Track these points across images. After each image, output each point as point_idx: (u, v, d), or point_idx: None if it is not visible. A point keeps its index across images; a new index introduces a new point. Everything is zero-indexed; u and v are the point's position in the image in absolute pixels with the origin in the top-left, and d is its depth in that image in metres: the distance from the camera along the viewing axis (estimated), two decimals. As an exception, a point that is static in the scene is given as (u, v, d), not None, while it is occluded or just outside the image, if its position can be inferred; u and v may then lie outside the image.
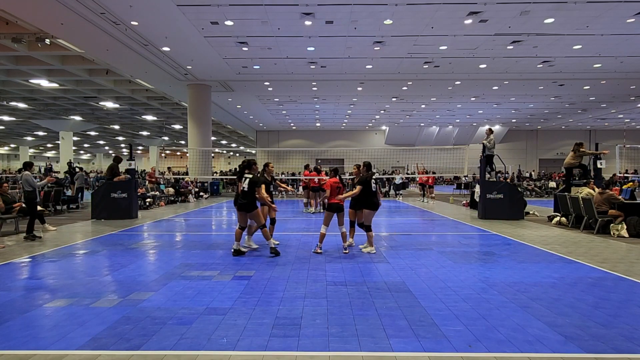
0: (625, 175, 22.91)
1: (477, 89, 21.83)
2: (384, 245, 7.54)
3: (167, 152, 60.22)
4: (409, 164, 30.83)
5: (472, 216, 12.23)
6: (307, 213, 12.97)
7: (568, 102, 25.52)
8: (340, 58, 15.90)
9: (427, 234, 8.98)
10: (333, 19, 11.93)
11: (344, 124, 36.69)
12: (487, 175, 11.94)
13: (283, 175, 26.69)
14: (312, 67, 17.13)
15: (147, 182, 16.91)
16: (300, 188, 18.03)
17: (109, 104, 24.68)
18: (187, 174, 20.41)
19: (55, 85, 19.80)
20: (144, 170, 24.06)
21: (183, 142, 47.58)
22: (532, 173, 35.38)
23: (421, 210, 14.27)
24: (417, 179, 19.94)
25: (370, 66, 17.12)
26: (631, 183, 17.18)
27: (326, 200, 6.82)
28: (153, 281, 5.05)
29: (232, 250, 6.57)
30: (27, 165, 8.56)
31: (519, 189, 14.00)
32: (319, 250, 6.71)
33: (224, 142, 51.22)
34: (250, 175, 6.48)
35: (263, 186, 6.58)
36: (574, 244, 7.72)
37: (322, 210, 12.82)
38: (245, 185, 6.42)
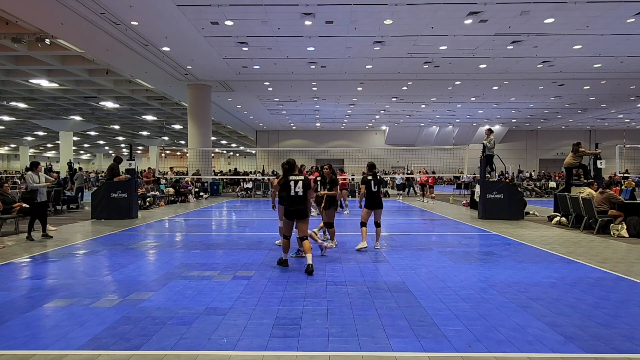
0: (625, 175, 22.85)
1: (477, 89, 21.82)
2: (384, 245, 7.53)
3: (167, 152, 60.23)
4: (409, 164, 30.81)
5: (472, 216, 12.23)
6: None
7: (568, 102, 25.52)
8: (340, 58, 15.90)
9: (427, 234, 8.98)
10: (333, 19, 11.93)
11: (344, 124, 36.68)
12: (487, 175, 11.95)
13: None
14: (312, 67, 17.12)
15: (142, 182, 16.86)
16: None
17: (109, 104, 24.66)
18: (188, 173, 20.37)
19: (55, 85, 19.78)
20: (143, 170, 24.03)
21: (183, 142, 47.56)
22: (532, 173, 35.38)
23: (421, 210, 14.27)
24: (418, 179, 19.96)
25: (370, 66, 17.12)
26: (627, 182, 17.19)
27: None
28: (153, 281, 5.05)
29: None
30: (32, 165, 8.58)
31: (519, 189, 14.00)
32: (303, 255, 6.19)
33: (224, 142, 51.18)
34: (303, 178, 5.83)
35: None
36: (574, 244, 7.71)
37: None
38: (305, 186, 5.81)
